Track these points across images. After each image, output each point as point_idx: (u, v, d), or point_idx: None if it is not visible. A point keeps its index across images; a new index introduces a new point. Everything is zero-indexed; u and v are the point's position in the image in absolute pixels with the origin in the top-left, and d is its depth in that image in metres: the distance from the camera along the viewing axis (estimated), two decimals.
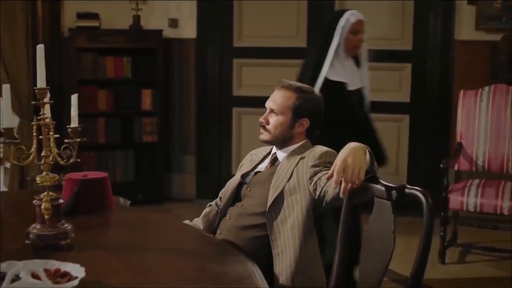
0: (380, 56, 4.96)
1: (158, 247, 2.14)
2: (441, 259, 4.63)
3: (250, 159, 2.97)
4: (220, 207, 2.88)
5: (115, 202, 2.72)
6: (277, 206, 2.63)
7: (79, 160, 2.15)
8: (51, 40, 6.00)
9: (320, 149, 2.70)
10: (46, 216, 2.13)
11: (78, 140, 2.15)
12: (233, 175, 2.94)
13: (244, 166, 2.95)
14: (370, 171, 2.27)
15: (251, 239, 2.71)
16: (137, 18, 5.98)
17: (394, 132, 5.90)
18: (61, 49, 6.02)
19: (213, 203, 2.98)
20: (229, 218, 2.78)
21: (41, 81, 2.12)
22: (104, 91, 6.02)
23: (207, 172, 6.30)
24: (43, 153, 2.14)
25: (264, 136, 2.82)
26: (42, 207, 2.12)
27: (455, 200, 4.53)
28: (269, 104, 2.81)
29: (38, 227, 2.15)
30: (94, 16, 5.86)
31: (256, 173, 2.83)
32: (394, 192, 2.15)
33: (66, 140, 2.14)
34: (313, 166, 2.60)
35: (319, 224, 2.69)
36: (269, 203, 2.64)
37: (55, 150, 2.13)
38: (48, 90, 2.12)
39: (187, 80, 6.32)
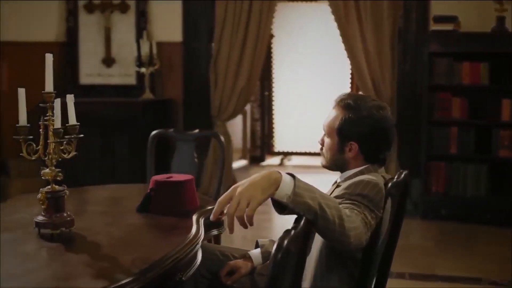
0: None
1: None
2: None
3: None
4: None
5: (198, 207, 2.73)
6: (312, 238, 2.29)
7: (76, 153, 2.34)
8: (415, 42, 5.91)
9: (360, 178, 2.22)
10: (42, 206, 2.38)
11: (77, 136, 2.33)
12: None
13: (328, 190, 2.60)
14: (285, 206, 1.79)
15: None
16: (500, 20, 5.39)
17: None
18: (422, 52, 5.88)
19: None
20: None
21: (48, 86, 2.36)
22: (458, 98, 5.61)
23: None
24: (48, 150, 2.38)
25: (321, 160, 2.45)
26: (38, 197, 2.38)
27: None
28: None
29: (40, 216, 2.40)
30: (452, 19, 5.50)
31: None
32: None
33: (66, 136, 2.34)
34: (337, 196, 2.17)
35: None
36: None
37: (51, 147, 2.36)
38: (54, 95, 2.35)
39: None
